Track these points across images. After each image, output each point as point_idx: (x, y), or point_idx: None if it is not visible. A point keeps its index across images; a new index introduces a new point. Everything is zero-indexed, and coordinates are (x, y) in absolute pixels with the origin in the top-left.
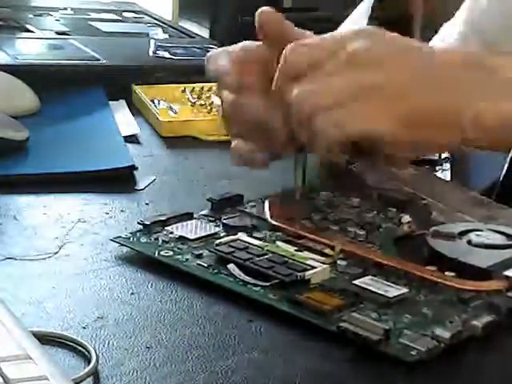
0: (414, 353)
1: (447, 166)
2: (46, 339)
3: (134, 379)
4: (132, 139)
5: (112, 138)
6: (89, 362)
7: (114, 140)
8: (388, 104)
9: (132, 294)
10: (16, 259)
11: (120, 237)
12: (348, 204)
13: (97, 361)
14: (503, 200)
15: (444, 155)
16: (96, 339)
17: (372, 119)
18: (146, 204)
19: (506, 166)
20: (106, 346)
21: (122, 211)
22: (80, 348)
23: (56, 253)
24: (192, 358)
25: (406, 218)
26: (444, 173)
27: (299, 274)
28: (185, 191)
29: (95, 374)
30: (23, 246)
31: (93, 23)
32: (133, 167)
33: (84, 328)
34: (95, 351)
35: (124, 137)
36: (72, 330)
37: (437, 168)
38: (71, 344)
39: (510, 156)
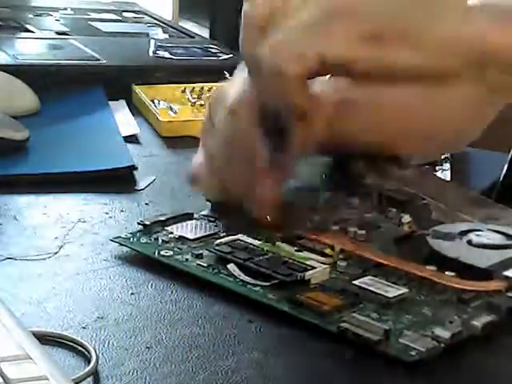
0: (413, 353)
1: (447, 166)
2: (45, 339)
3: (133, 379)
4: (132, 139)
5: (112, 138)
6: (89, 362)
7: (114, 140)
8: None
9: (132, 294)
10: (16, 259)
11: (120, 237)
12: (348, 204)
13: (97, 361)
14: (503, 200)
15: (444, 155)
16: (96, 339)
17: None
18: (146, 204)
19: (506, 166)
20: (105, 345)
21: (121, 211)
22: (80, 348)
23: (56, 253)
24: (192, 357)
25: (406, 217)
26: (444, 173)
27: (299, 274)
28: (185, 191)
29: (95, 374)
30: (23, 245)
31: (93, 23)
32: (133, 167)
33: (84, 328)
34: (95, 351)
35: (124, 137)
36: (72, 329)
37: (437, 168)
38: (71, 344)
39: (509, 156)
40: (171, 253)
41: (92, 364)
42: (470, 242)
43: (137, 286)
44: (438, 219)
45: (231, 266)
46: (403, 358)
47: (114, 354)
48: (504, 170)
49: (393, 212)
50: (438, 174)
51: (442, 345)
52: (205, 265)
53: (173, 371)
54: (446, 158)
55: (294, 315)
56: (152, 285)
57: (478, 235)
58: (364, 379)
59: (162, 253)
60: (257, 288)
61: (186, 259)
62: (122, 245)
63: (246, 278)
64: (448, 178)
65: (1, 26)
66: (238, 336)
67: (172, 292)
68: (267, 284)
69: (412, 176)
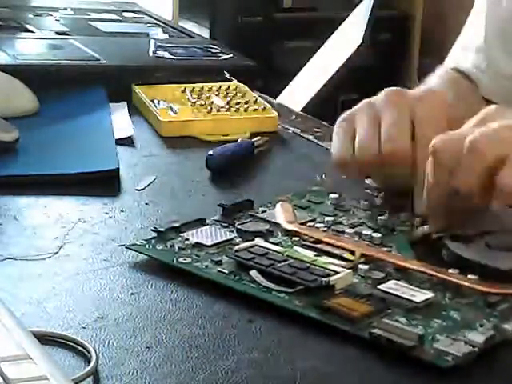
0: (449, 358)
1: None
2: (45, 339)
3: (133, 379)
4: (127, 141)
5: (104, 140)
6: (89, 362)
7: (105, 142)
8: None
9: (132, 294)
10: (16, 259)
11: (135, 244)
12: (358, 207)
13: (97, 361)
14: None
15: None
16: (96, 339)
17: None
18: (146, 204)
19: None
20: (105, 345)
21: (121, 211)
22: (80, 348)
23: (56, 253)
24: (192, 357)
25: (418, 220)
26: None
27: (324, 279)
28: (185, 191)
29: (95, 373)
30: (23, 245)
31: (93, 23)
32: (116, 170)
33: (84, 328)
34: (95, 351)
35: (119, 139)
36: (72, 329)
37: None
38: (71, 344)
39: None
40: (189, 260)
41: (92, 364)
42: (487, 244)
43: (137, 286)
44: None
45: (254, 273)
46: (439, 363)
47: (114, 354)
48: None
49: (406, 215)
50: None
51: (477, 349)
52: (226, 271)
53: (173, 371)
54: None
55: (323, 321)
56: (152, 285)
57: (494, 237)
58: (364, 379)
59: (181, 260)
60: (282, 294)
61: (206, 266)
62: (138, 252)
63: (270, 284)
64: None
65: (1, 26)
66: (237, 336)
67: (172, 292)
68: (292, 290)
69: None
